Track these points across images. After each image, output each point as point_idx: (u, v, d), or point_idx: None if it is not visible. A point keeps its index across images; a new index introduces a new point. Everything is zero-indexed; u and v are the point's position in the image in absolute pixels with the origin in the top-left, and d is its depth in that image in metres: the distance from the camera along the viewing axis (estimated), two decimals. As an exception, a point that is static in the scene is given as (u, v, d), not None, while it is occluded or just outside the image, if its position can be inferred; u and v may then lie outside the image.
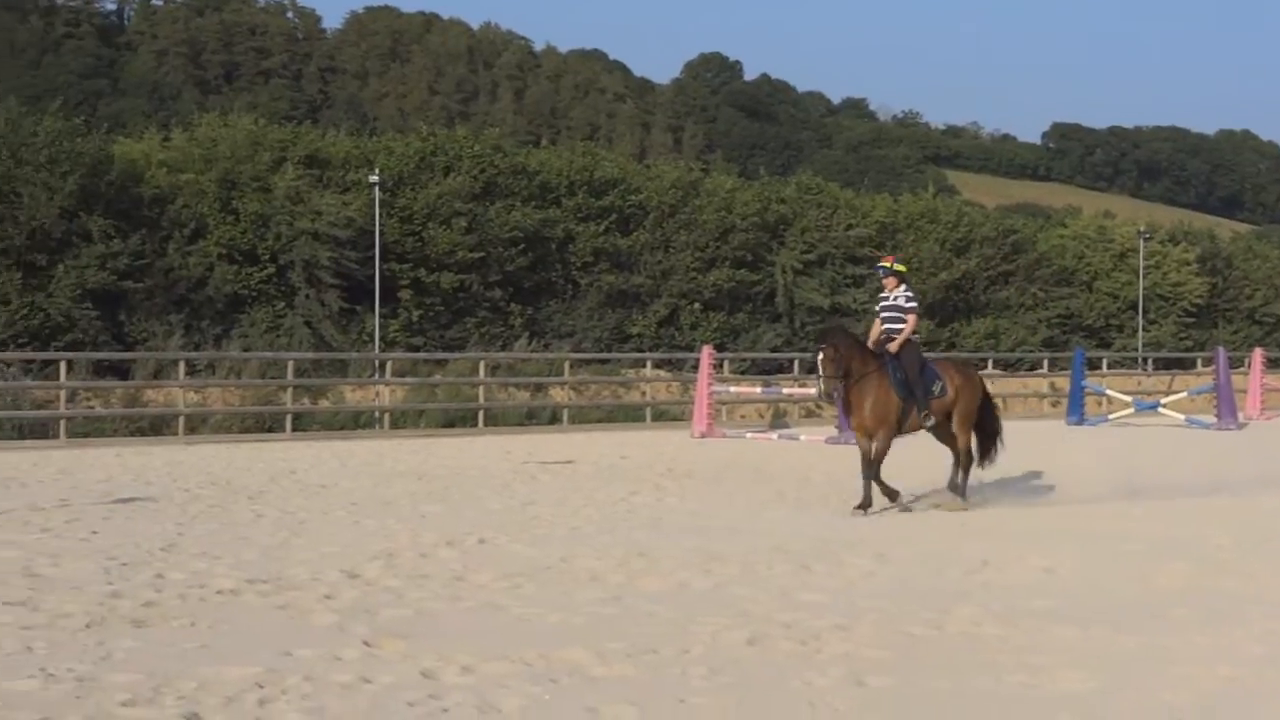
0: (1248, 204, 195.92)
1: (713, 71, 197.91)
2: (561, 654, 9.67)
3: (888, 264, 19.06)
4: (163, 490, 20.64)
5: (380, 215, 41.11)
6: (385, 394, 36.93)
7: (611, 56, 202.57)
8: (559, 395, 39.07)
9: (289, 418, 33.91)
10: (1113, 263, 60.68)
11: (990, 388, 47.26)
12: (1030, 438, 33.89)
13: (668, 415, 39.25)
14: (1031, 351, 53.19)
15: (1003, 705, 8.56)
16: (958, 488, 18.62)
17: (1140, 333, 58.92)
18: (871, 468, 17.67)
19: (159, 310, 39.12)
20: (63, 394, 32.09)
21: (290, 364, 34.72)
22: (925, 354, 19.57)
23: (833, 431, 33.28)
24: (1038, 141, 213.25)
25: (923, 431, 18.55)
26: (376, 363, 37.80)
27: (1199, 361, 53.12)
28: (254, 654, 9.58)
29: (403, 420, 35.72)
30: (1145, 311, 59.58)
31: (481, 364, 37.03)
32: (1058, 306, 57.84)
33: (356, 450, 29.24)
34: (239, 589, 12.15)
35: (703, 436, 33.62)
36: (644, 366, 42.25)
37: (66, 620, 10.75)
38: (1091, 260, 60.60)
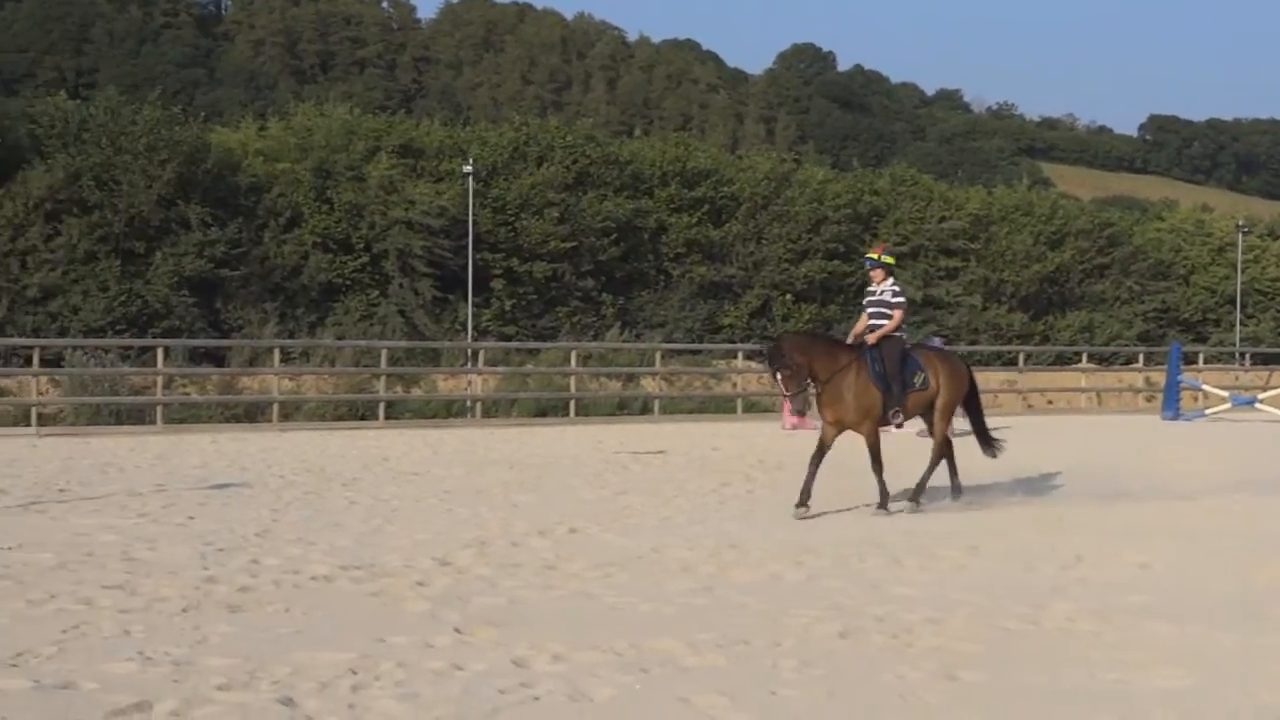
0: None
1: (806, 62, 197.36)
2: (653, 644, 9.65)
3: (875, 255, 17.96)
4: (257, 476, 20.80)
5: (473, 205, 41.26)
6: (477, 383, 37.05)
7: (705, 47, 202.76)
8: (650, 386, 39.05)
9: (382, 405, 34.12)
10: (1210, 257, 59.99)
11: (1084, 382, 46.85)
12: (1125, 432, 33.62)
13: (759, 407, 39.15)
14: (1127, 345, 52.70)
15: (1096, 701, 8.46)
16: (960, 486, 18.00)
17: (1238, 327, 58.20)
18: (877, 463, 17.04)
19: (254, 298, 39.47)
20: (159, 380, 32.43)
21: (384, 352, 34.90)
22: (939, 343, 19.11)
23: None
24: (1134, 134, 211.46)
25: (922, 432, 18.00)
26: (469, 351, 37.94)
27: (1298, 357, 52.42)
28: (347, 640, 9.63)
29: (494, 409, 35.85)
30: (1243, 306, 58.86)
31: (573, 354, 37.07)
32: (1154, 300, 57.22)
33: (448, 438, 29.35)
34: (333, 575, 12.22)
35: (794, 428, 33.50)
36: (735, 358, 42.18)
37: (163, 604, 10.84)
38: (1189, 254, 59.93)
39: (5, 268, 36.16)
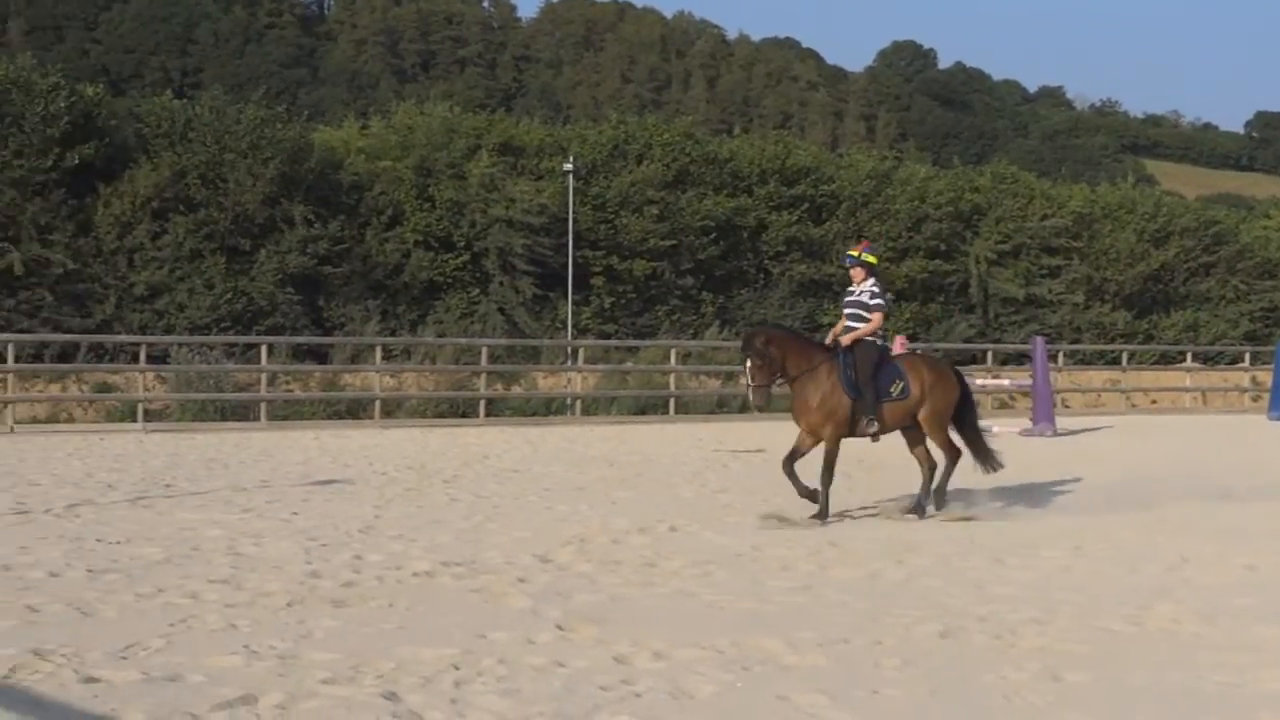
0: None
1: (906, 59, 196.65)
2: (753, 641, 9.65)
3: (856, 253, 16.90)
4: (359, 473, 20.97)
5: (573, 202, 41.34)
6: (577, 380, 37.16)
7: (804, 45, 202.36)
8: (749, 384, 38.91)
9: (482, 403, 34.32)
10: (1319, 255, 59.08)
11: (1188, 381, 46.23)
12: (1230, 433, 33.25)
13: (859, 405, 39.01)
14: (1232, 345, 52.06)
15: (1201, 703, 8.38)
16: (932, 495, 16.77)
17: (1347, 326, 57.31)
18: (827, 473, 15.94)
19: (356, 295, 39.74)
20: (263, 377, 32.78)
21: (484, 350, 35.11)
22: (932, 352, 18.13)
23: (1026, 423, 32.91)
24: (1240, 130, 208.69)
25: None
26: (569, 349, 38.07)
27: None
28: (450, 636, 9.69)
29: (594, 407, 35.96)
30: (1352, 304, 57.94)
31: (673, 352, 37.10)
32: (1261, 299, 56.34)
33: (548, 436, 29.47)
34: (435, 571, 12.30)
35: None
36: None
37: (268, 599, 10.96)
38: (1297, 252, 59.06)
39: (113, 266, 36.62)
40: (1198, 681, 8.85)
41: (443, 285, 41.50)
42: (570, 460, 23.70)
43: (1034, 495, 18.57)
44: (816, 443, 16.13)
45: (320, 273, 39.03)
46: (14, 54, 43.32)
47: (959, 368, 18.52)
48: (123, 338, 33.46)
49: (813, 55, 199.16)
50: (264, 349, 32.97)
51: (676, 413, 35.55)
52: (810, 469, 16.05)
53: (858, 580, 12.21)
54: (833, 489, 16.07)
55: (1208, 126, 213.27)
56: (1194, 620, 10.66)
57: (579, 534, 14.60)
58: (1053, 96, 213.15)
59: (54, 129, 36.02)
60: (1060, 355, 44.42)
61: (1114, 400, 44.70)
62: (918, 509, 16.68)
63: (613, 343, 39.37)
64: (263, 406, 32.04)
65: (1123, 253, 52.32)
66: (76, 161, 36.22)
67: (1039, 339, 34.23)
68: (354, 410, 34.08)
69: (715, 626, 10.13)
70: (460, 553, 13.29)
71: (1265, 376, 43.44)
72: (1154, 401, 46.02)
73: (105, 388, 34.25)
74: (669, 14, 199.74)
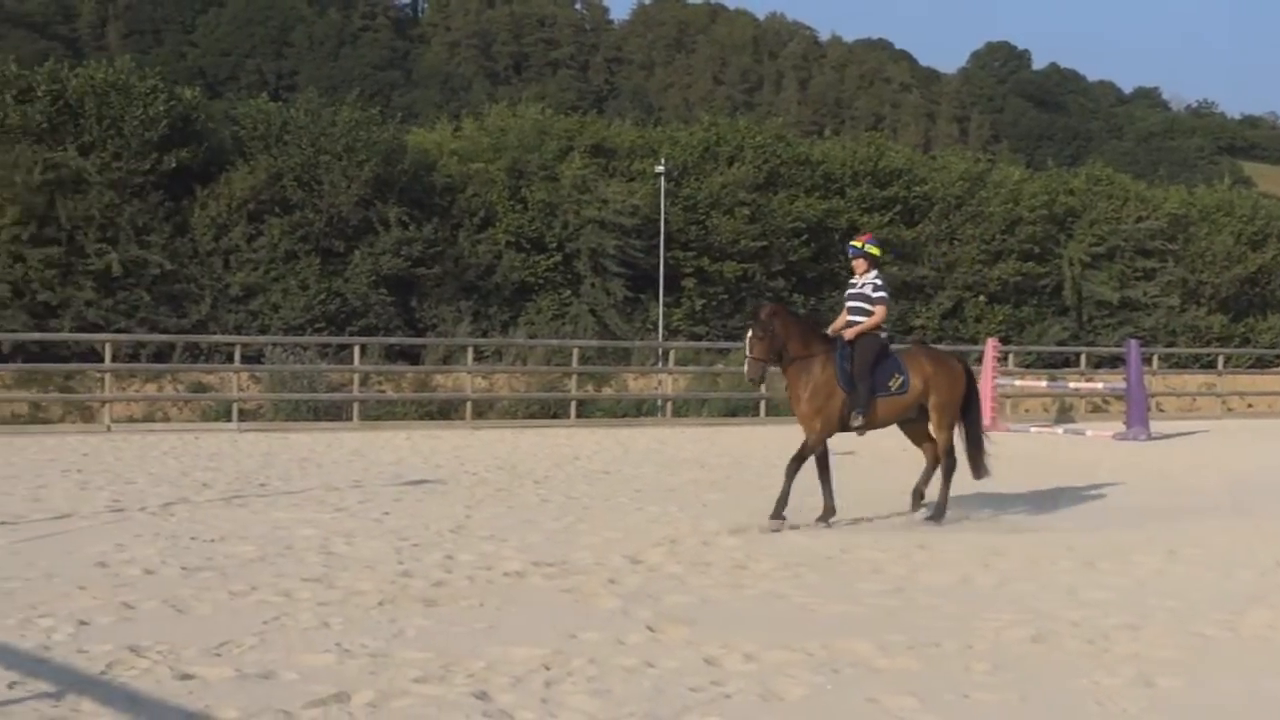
0: None
1: (1000, 61, 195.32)
2: (843, 644, 9.64)
3: (859, 244, 16.60)
4: (451, 473, 21.09)
5: (665, 204, 41.34)
6: (668, 382, 37.17)
7: (897, 46, 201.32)
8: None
9: (573, 404, 34.40)
10: None
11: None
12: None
13: (950, 408, 38.82)
14: (1331, 348, 51.41)
15: (1298, 712, 8.31)
16: (924, 495, 16.56)
17: None
18: (793, 465, 15.57)
19: (449, 297, 39.90)
20: (356, 378, 33.04)
21: (575, 351, 35.17)
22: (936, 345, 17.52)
23: (1120, 427, 32.63)
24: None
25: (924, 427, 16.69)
26: (659, 351, 38.07)
27: None
28: (540, 635, 9.74)
29: (684, 409, 35.96)
30: None
31: (763, 354, 36.96)
32: (1362, 303, 55.60)
33: (639, 437, 29.51)
34: (525, 571, 12.36)
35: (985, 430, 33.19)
36: (926, 359, 41.84)
37: (360, 598, 11.05)
38: (1398, 256, 58.16)
39: (209, 267, 36.96)
40: (1294, 689, 8.76)
41: (534, 286, 41.59)
42: (660, 462, 23.73)
43: (1126, 499, 18.41)
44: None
45: (413, 274, 39.21)
46: (113, 58, 43.80)
47: (968, 363, 18.07)
48: (218, 338, 33.78)
49: (905, 57, 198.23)
50: (357, 350, 33.21)
51: (767, 415, 35.48)
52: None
53: (949, 584, 12.17)
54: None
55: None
56: (1290, 627, 10.55)
57: (669, 535, 14.63)
58: (1148, 97, 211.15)
59: (152, 132, 36.37)
60: (1155, 358, 43.97)
61: (1209, 404, 44.21)
62: (938, 514, 16.36)
63: (703, 344, 39.27)
64: (355, 407, 32.27)
65: (1219, 255, 51.72)
66: (174, 164, 36.55)
67: (1133, 342, 33.91)
68: (445, 411, 34.27)
69: (805, 629, 10.13)
70: (551, 553, 13.34)
71: (1365, 381, 42.89)
72: (1250, 405, 45.48)
73: (200, 387, 34.60)
74: (761, 15, 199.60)
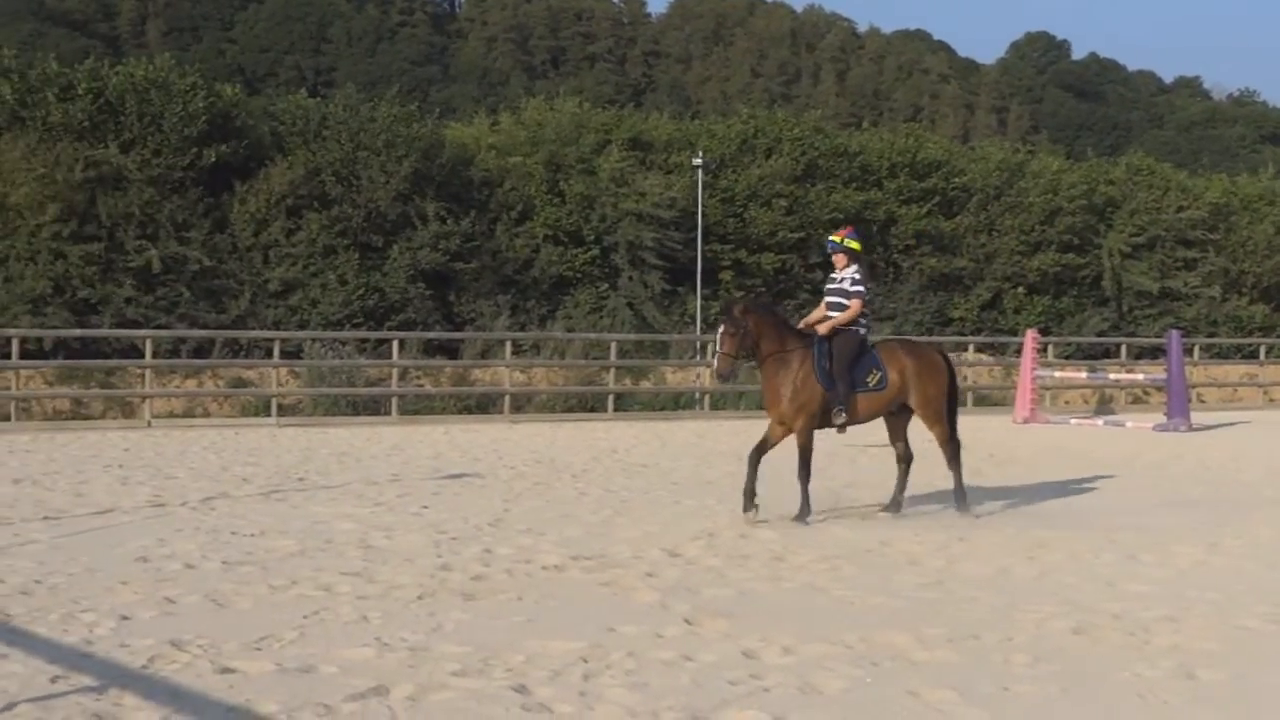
0: None
1: (1039, 51, 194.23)
2: (882, 637, 9.64)
3: (838, 238, 16.35)
4: (489, 467, 21.14)
5: (702, 196, 41.29)
6: (705, 375, 37.14)
7: (936, 37, 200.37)
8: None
9: (610, 398, 34.43)
10: None
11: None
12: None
13: (989, 400, 38.75)
14: (1378, 340, 51.07)
15: (1341, 704, 8.26)
16: (901, 498, 16.39)
17: None
18: (804, 469, 15.49)
19: (487, 291, 39.94)
20: (395, 372, 33.11)
21: (613, 345, 35.19)
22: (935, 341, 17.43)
23: (1160, 418, 32.50)
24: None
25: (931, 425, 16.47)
26: (697, 344, 38.04)
27: None
28: (579, 629, 9.75)
29: (722, 402, 35.95)
30: None
31: (801, 346, 36.90)
32: (1405, 292, 55.18)
33: (677, 431, 29.53)
34: (564, 565, 12.38)
35: (1025, 422, 33.12)
36: (966, 350, 41.74)
37: (400, 591, 11.09)
38: None
39: (248, 262, 37.06)
40: (1336, 681, 8.72)
41: (572, 280, 41.61)
42: (699, 455, 23.74)
43: (1167, 491, 18.34)
44: (787, 433, 15.75)
45: (451, 268, 39.26)
46: (153, 55, 43.99)
47: (947, 353, 17.79)
48: (257, 333, 33.93)
49: (944, 47, 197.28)
50: (395, 344, 33.29)
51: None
52: (785, 463, 15.96)
53: (988, 576, 12.15)
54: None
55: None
56: (1332, 618, 10.50)
57: (707, 528, 14.64)
58: (1189, 87, 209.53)
59: (192, 128, 36.51)
60: (1196, 349, 43.76)
61: (1251, 395, 44.01)
62: (893, 505, 16.29)
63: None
64: (394, 401, 32.36)
65: (1260, 245, 51.40)
66: (213, 160, 36.69)
67: (1174, 332, 33.74)
68: (484, 405, 34.32)
69: (844, 621, 10.13)
70: (589, 547, 13.36)
71: None
72: (1293, 396, 45.26)
73: (239, 383, 34.71)
74: (799, 7, 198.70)
